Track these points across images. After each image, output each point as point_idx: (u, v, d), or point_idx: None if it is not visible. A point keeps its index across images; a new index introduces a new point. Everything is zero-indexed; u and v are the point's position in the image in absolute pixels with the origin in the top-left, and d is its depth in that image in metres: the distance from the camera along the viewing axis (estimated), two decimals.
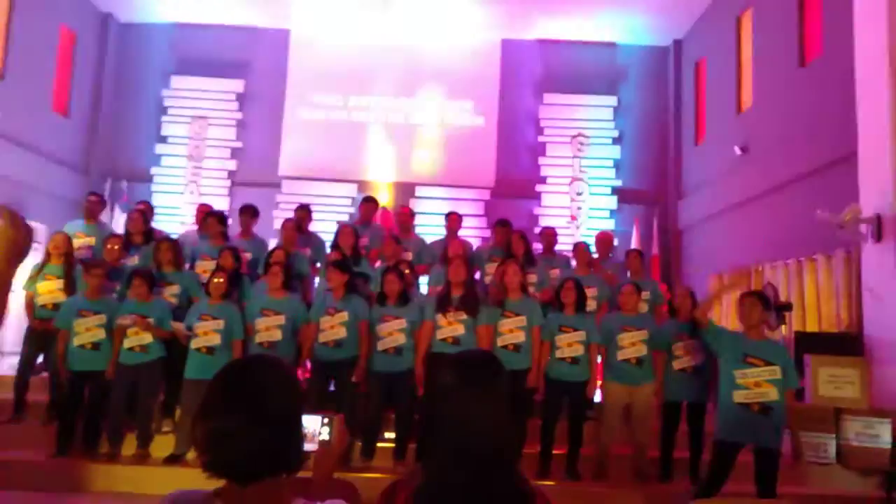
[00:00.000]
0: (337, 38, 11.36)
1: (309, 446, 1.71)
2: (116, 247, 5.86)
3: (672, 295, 5.69)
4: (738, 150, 8.90)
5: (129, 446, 5.28)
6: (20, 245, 1.41)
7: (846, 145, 6.38)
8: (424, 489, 1.50)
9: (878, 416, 5.10)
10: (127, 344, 5.19)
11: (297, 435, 1.41)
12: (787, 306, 6.79)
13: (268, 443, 1.32)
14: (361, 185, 10.92)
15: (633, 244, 10.48)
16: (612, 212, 11.06)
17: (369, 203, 6.96)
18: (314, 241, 6.79)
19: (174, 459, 5.16)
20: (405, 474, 1.59)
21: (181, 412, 5.32)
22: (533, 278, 5.99)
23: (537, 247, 6.85)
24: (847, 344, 5.78)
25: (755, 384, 4.11)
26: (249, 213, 6.57)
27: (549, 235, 6.77)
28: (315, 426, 1.72)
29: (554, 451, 5.13)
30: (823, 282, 6.76)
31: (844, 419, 5.16)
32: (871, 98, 5.92)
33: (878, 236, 5.71)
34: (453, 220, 6.79)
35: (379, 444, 5.27)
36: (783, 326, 6.71)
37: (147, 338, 5.18)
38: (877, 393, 5.38)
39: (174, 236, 6.73)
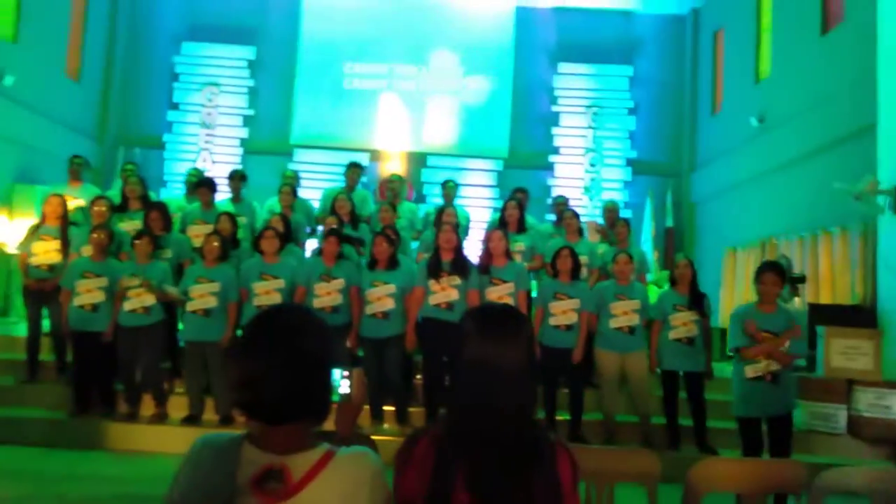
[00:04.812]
0: (349, 4, 11.23)
1: None
2: (104, 208, 5.70)
3: (674, 266, 5.65)
4: (754, 121, 8.76)
5: (147, 407, 5.35)
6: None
7: (866, 116, 6.27)
8: (447, 435, 1.51)
9: (890, 388, 5.09)
10: (128, 306, 5.13)
11: (328, 381, 1.41)
12: (801, 278, 6.75)
13: (300, 385, 1.34)
14: (373, 154, 10.87)
15: (647, 216, 10.42)
16: (625, 183, 10.97)
17: (355, 168, 7.19)
18: (303, 206, 6.94)
19: (191, 420, 5.24)
20: (427, 423, 1.62)
21: (186, 375, 5.36)
22: (521, 247, 5.99)
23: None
24: (860, 316, 5.75)
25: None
26: (239, 178, 6.73)
27: (561, 205, 6.73)
28: (335, 379, 1.74)
29: (558, 418, 5.17)
30: (839, 254, 6.69)
31: (856, 390, 5.15)
32: (893, 66, 5.80)
33: None
34: (449, 188, 7.02)
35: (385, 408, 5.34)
36: (797, 298, 6.68)
37: (149, 300, 5.13)
38: (889, 365, 5.36)
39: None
